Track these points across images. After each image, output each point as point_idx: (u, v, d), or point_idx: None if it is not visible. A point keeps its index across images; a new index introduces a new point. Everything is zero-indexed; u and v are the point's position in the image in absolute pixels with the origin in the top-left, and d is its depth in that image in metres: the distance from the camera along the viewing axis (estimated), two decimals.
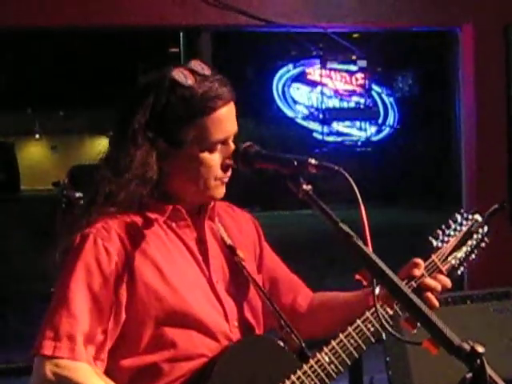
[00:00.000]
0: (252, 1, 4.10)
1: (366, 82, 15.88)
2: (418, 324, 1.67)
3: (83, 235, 1.81)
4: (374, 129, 17.18)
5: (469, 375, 1.35)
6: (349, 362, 1.89)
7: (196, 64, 1.89)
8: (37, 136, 28.87)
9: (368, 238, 1.59)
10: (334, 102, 16.27)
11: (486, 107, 4.36)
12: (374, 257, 1.55)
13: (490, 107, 4.36)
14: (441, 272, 2.01)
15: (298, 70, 16.28)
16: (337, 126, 16.81)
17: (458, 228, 2.09)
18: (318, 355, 1.86)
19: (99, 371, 1.76)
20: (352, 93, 15.98)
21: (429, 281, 1.96)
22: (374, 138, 17.24)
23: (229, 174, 1.91)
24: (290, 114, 16.62)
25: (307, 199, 1.69)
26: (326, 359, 1.86)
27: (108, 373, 1.79)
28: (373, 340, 1.92)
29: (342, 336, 1.90)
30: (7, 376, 4.76)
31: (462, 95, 4.50)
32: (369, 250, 1.57)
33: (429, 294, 1.94)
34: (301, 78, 16.29)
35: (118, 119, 1.92)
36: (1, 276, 10.06)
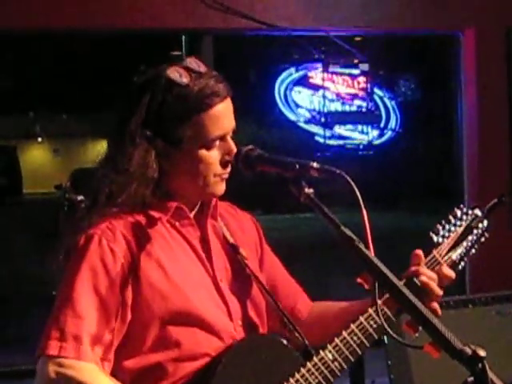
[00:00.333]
0: (255, 5, 4.10)
1: (368, 85, 15.87)
2: (420, 328, 1.67)
3: (88, 236, 1.81)
4: (375, 132, 17.17)
5: (470, 379, 1.36)
6: (352, 359, 1.89)
7: (192, 61, 1.90)
8: (39, 139, 28.89)
9: (370, 241, 1.60)
10: (336, 106, 16.26)
11: (488, 110, 4.36)
12: (375, 260, 1.55)
13: (491, 110, 4.36)
14: (442, 266, 2.02)
15: (300, 73, 16.27)
16: (339, 129, 16.80)
17: (459, 223, 2.10)
18: (322, 353, 1.88)
19: (106, 372, 1.76)
20: (354, 96, 15.97)
21: (426, 270, 1.98)
22: (376, 142, 17.22)
23: (228, 170, 1.91)
24: (292, 117, 16.61)
25: (309, 203, 1.70)
26: (330, 357, 1.87)
27: (112, 374, 1.79)
28: (375, 336, 1.93)
29: (345, 333, 1.90)
30: (9, 379, 4.77)
31: (464, 98, 4.51)
32: (370, 253, 1.57)
33: (433, 304, 1.95)
34: (303, 82, 16.28)
35: (115, 120, 1.93)
36: (3, 278, 10.08)
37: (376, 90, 16.44)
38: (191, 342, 1.82)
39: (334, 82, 15.83)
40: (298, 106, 16.59)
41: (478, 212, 2.14)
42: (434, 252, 2.04)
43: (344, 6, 4.27)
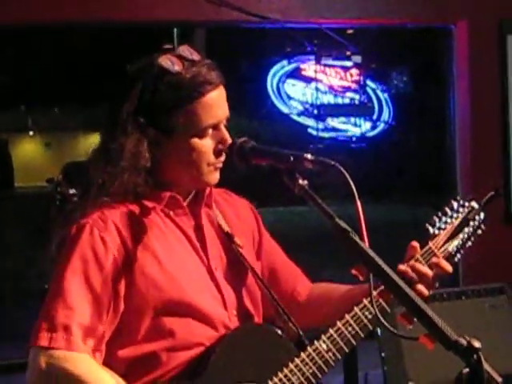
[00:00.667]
0: None
1: (361, 77, 15.86)
2: (415, 319, 1.67)
3: (79, 226, 1.81)
4: (368, 125, 17.17)
5: (465, 370, 1.36)
6: (347, 350, 1.89)
7: (184, 49, 1.89)
8: (31, 133, 28.78)
9: (364, 233, 1.59)
10: (328, 98, 16.25)
11: (481, 103, 4.36)
12: (370, 252, 1.55)
13: (484, 103, 4.36)
14: (438, 258, 2.03)
15: (292, 66, 16.25)
16: (331, 121, 16.80)
17: (455, 215, 2.10)
18: (316, 343, 1.88)
19: (98, 362, 1.76)
20: (347, 89, 15.96)
21: (420, 266, 1.98)
22: (369, 134, 17.23)
23: (222, 159, 1.90)
24: (284, 110, 16.59)
25: (303, 194, 1.69)
26: (324, 347, 1.87)
27: (105, 363, 1.78)
28: (370, 327, 1.93)
29: (339, 324, 1.90)
30: (1, 373, 4.76)
31: (457, 91, 4.50)
32: (365, 245, 1.57)
33: (418, 286, 1.96)
34: (295, 74, 16.26)
35: (108, 109, 1.93)
36: None
37: (369, 83, 16.43)
38: (185, 332, 1.82)
39: (326, 74, 15.81)
40: (290, 98, 16.57)
41: (474, 204, 2.14)
42: (430, 244, 2.04)
43: None
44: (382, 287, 1.91)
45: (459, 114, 4.49)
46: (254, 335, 1.88)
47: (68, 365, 1.68)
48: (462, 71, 4.44)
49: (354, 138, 17.05)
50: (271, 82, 16.26)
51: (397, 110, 17.21)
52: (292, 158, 1.72)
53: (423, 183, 17.03)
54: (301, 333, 1.90)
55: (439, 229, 2.06)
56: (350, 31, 6.28)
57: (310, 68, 15.99)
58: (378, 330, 3.17)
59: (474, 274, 4.12)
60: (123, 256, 1.78)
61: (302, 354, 1.85)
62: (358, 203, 1.61)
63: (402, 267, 1.95)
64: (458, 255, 2.09)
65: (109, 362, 1.78)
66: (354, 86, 15.95)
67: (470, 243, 2.12)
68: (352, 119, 16.95)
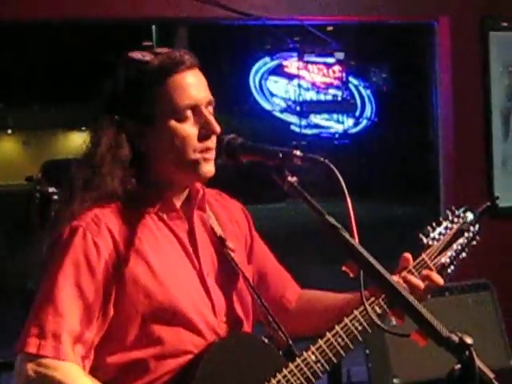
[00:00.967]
0: None
1: (343, 74, 15.90)
2: (405, 316, 1.64)
3: (72, 228, 1.76)
4: (351, 121, 17.23)
5: (457, 366, 1.34)
6: (335, 361, 1.85)
7: (161, 48, 1.88)
8: (9, 131, 28.62)
9: (354, 229, 1.57)
10: (311, 95, 16.29)
11: (463, 99, 4.37)
12: (360, 248, 1.53)
13: (466, 99, 4.36)
14: (430, 270, 1.99)
15: (274, 62, 16.27)
16: (314, 118, 16.83)
17: (449, 226, 2.06)
18: (305, 354, 1.83)
19: (86, 371, 1.73)
20: (329, 85, 16.00)
21: (412, 278, 1.95)
22: (352, 131, 17.29)
23: (209, 144, 1.82)
24: (267, 107, 16.61)
25: (293, 191, 1.66)
26: (313, 358, 1.83)
27: (93, 370, 1.74)
28: (360, 339, 1.89)
29: (329, 335, 1.87)
30: None
31: (439, 87, 4.50)
32: (355, 241, 1.55)
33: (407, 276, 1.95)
34: (278, 71, 16.28)
35: (89, 108, 1.91)
36: None
37: (351, 79, 16.48)
38: (174, 339, 1.78)
39: (309, 70, 15.84)
40: (273, 95, 16.59)
41: (469, 215, 2.10)
42: (423, 255, 2.00)
43: None
44: (374, 299, 1.90)
45: (442, 111, 4.49)
46: (241, 344, 1.86)
47: (56, 373, 1.65)
48: (444, 67, 4.44)
49: (336, 135, 17.10)
50: (253, 78, 16.28)
51: (379, 107, 17.28)
52: (281, 155, 1.69)
53: (405, 180, 17.09)
54: (290, 342, 1.87)
55: (433, 239, 2.03)
56: (329, 28, 6.26)
57: (292, 65, 16.02)
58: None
59: (458, 271, 4.12)
60: (115, 261, 1.75)
61: (291, 365, 1.82)
62: (348, 200, 1.59)
63: (394, 278, 1.90)
64: (452, 267, 2.05)
65: (97, 369, 1.76)
66: (336, 82, 15.99)
67: (463, 254, 2.08)
68: (335, 116, 17.00)
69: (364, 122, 17.30)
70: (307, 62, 15.56)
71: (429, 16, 4.46)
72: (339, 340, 1.87)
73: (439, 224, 2.05)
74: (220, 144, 1.83)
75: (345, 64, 15.73)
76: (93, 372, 1.74)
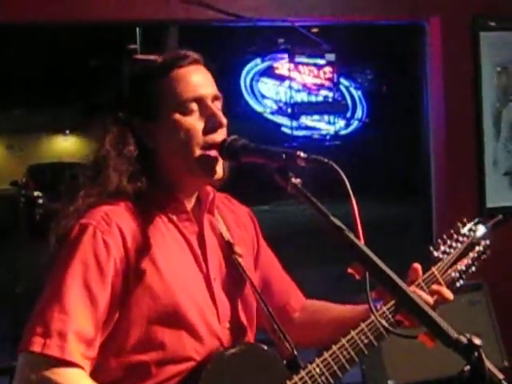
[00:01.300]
0: None
1: (334, 75, 15.91)
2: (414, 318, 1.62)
3: (82, 226, 1.73)
4: (342, 122, 17.24)
5: (466, 368, 1.33)
6: (340, 375, 1.82)
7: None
8: None
9: (360, 230, 1.55)
10: (302, 96, 16.29)
11: (454, 99, 4.36)
12: (366, 250, 1.51)
13: (457, 99, 4.36)
14: (440, 285, 1.95)
15: (265, 64, 16.27)
16: (305, 120, 16.82)
17: (460, 239, 2.02)
18: (310, 366, 1.79)
19: (88, 374, 1.70)
20: (320, 86, 16.00)
21: (421, 294, 1.92)
22: (343, 132, 17.30)
23: (215, 138, 1.80)
24: (258, 108, 16.60)
25: (296, 193, 1.63)
26: (317, 371, 1.80)
27: (95, 371, 1.71)
28: (366, 352, 1.85)
29: (335, 348, 1.83)
30: None
31: (430, 88, 4.50)
32: (361, 243, 1.53)
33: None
34: (269, 73, 16.28)
35: (82, 111, 1.91)
36: None
37: (342, 80, 16.50)
38: (176, 345, 1.75)
39: (300, 72, 15.84)
40: (264, 96, 16.58)
41: (481, 228, 2.05)
42: (433, 269, 1.96)
43: None
44: (383, 311, 1.87)
45: (433, 112, 4.48)
46: (245, 354, 1.82)
47: (59, 378, 1.62)
48: (435, 68, 4.43)
49: (328, 136, 17.10)
50: (244, 80, 16.27)
51: (370, 108, 17.29)
52: (285, 156, 1.66)
53: (396, 181, 17.10)
54: (295, 353, 1.83)
55: (443, 253, 1.98)
56: (314, 30, 6.23)
57: (283, 66, 16.01)
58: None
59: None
60: (124, 262, 1.72)
61: (295, 377, 1.78)
62: (353, 201, 1.56)
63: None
64: (461, 281, 1.99)
65: (99, 370, 1.73)
66: (327, 83, 15.99)
67: (473, 269, 2.03)
68: (326, 117, 17.00)
69: (355, 123, 17.31)
70: (298, 64, 15.56)
71: (420, 17, 4.46)
72: (344, 353, 1.84)
73: (450, 237, 2.01)
74: (222, 145, 1.81)
75: (336, 65, 15.73)
76: (94, 373, 1.70)
